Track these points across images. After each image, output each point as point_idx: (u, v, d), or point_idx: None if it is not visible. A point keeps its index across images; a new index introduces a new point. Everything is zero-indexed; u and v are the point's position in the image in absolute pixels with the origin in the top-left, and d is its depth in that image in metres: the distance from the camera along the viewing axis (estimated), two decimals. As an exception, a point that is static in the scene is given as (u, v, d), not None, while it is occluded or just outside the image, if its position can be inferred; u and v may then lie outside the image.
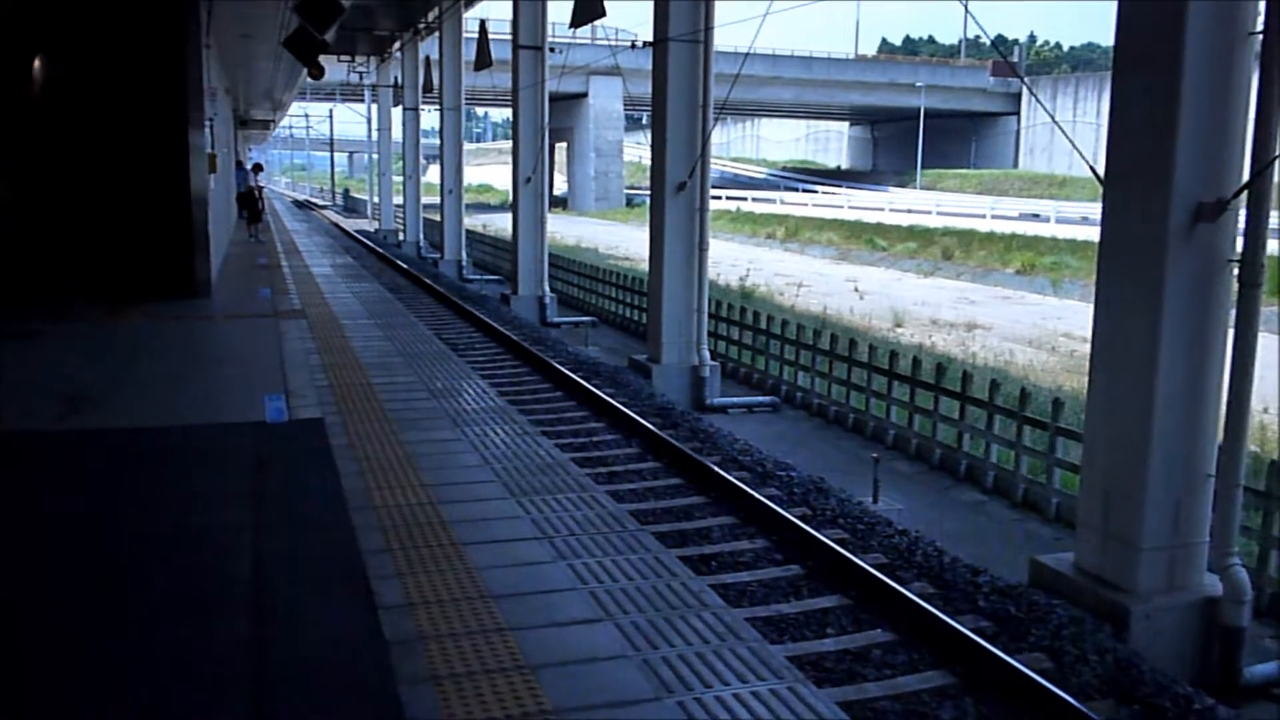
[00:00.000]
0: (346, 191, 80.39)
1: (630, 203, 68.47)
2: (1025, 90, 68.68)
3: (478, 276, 28.88)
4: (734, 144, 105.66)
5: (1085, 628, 6.33)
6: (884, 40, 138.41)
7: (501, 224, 39.51)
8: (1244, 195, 6.50)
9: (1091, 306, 7.44)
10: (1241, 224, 6.61)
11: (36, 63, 12.84)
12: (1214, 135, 6.53)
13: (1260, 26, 6.48)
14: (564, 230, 46.19)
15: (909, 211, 51.75)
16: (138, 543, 4.67)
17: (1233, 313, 6.68)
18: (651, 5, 13.92)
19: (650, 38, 14.28)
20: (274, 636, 3.75)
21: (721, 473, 8.72)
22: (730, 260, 34.11)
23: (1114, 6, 6.96)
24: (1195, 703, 5.56)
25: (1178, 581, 6.81)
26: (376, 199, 50.59)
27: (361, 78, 45.34)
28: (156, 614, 3.94)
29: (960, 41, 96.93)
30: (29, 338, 9.95)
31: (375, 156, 50.86)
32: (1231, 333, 6.65)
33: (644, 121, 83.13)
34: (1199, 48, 6.41)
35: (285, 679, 3.45)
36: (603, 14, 17.26)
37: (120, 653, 3.62)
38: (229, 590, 4.14)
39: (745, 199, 63.13)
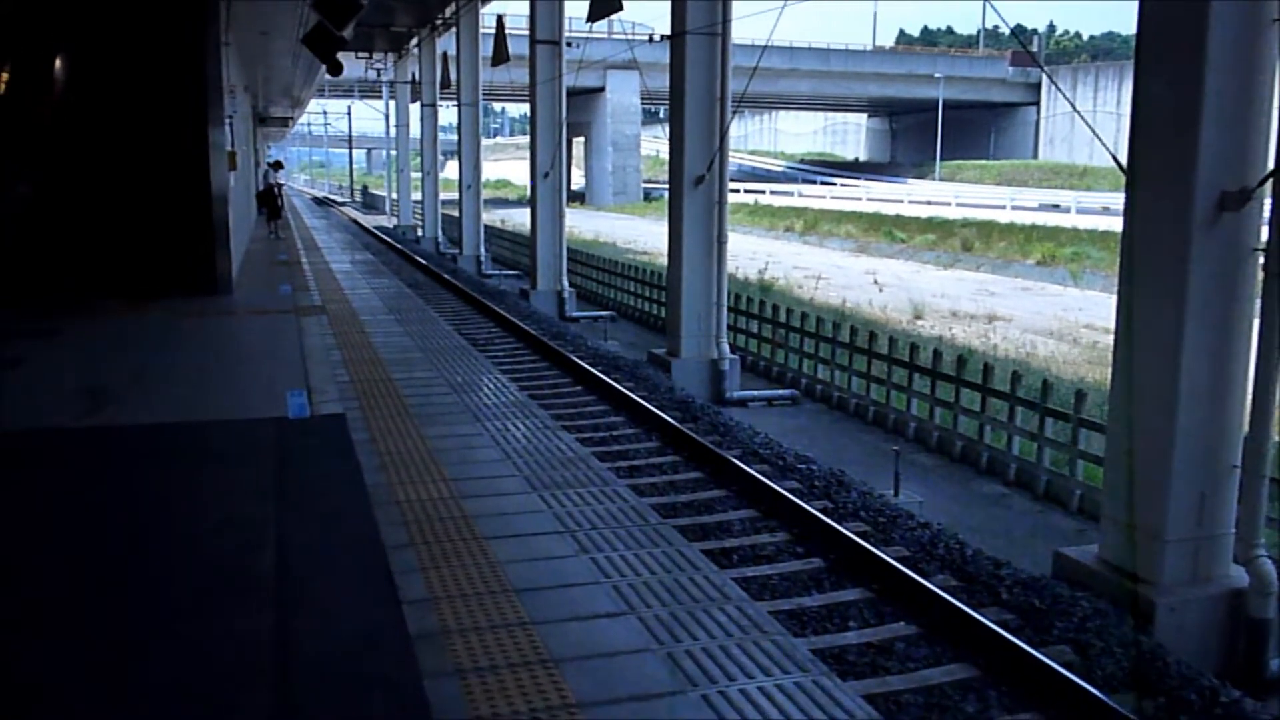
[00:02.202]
0: (365, 188, 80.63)
1: (648, 197, 68.42)
2: (1045, 80, 68.27)
3: (496, 271, 28.92)
4: (751, 137, 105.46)
5: (1109, 620, 6.30)
6: (902, 31, 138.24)
7: (520, 219, 39.59)
8: (1269, 184, 6.44)
9: (1114, 297, 7.39)
10: (1266, 212, 6.56)
11: (58, 61, 12.91)
12: (1237, 124, 6.47)
13: (1284, 14, 6.42)
14: (582, 225, 46.18)
15: (928, 203, 51.50)
16: (161, 538, 4.69)
17: (1258, 302, 6.63)
18: (669, -1, 13.91)
19: (668, 31, 14.26)
20: (297, 630, 3.76)
21: (742, 466, 8.71)
22: (748, 254, 34.04)
23: (1136, -5, 6.91)
24: (1221, 695, 5.53)
25: (1203, 574, 6.77)
26: (395, 195, 50.72)
27: (379, 74, 45.50)
28: (180, 608, 3.95)
29: (979, 32, 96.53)
30: (51, 335, 10.01)
31: (393, 153, 50.99)
32: (1257, 322, 6.60)
33: (661, 115, 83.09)
34: (1222, 36, 6.36)
35: (309, 672, 3.46)
36: (620, 8, 17.25)
37: (144, 646, 3.64)
38: (252, 584, 4.15)
39: (763, 192, 63.01)
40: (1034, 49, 78.98)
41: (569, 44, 21.67)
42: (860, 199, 56.59)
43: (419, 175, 41.22)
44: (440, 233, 36.62)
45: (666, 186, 16.12)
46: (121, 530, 4.79)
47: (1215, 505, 6.76)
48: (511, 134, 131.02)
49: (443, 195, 38.45)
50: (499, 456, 6.16)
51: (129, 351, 9.47)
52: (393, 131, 49.83)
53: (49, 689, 3.35)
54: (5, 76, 12.59)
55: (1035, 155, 70.87)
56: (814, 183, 71.87)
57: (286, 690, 3.35)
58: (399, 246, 31.55)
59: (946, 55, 79.33)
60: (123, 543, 4.64)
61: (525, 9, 22.15)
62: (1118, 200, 7.76)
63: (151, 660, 3.54)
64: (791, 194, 61.82)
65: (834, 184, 69.92)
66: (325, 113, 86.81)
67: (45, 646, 3.64)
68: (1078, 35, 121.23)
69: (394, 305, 13.16)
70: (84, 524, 4.87)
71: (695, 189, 13.90)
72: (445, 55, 31.65)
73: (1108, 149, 8.24)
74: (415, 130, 42.81)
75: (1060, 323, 22.81)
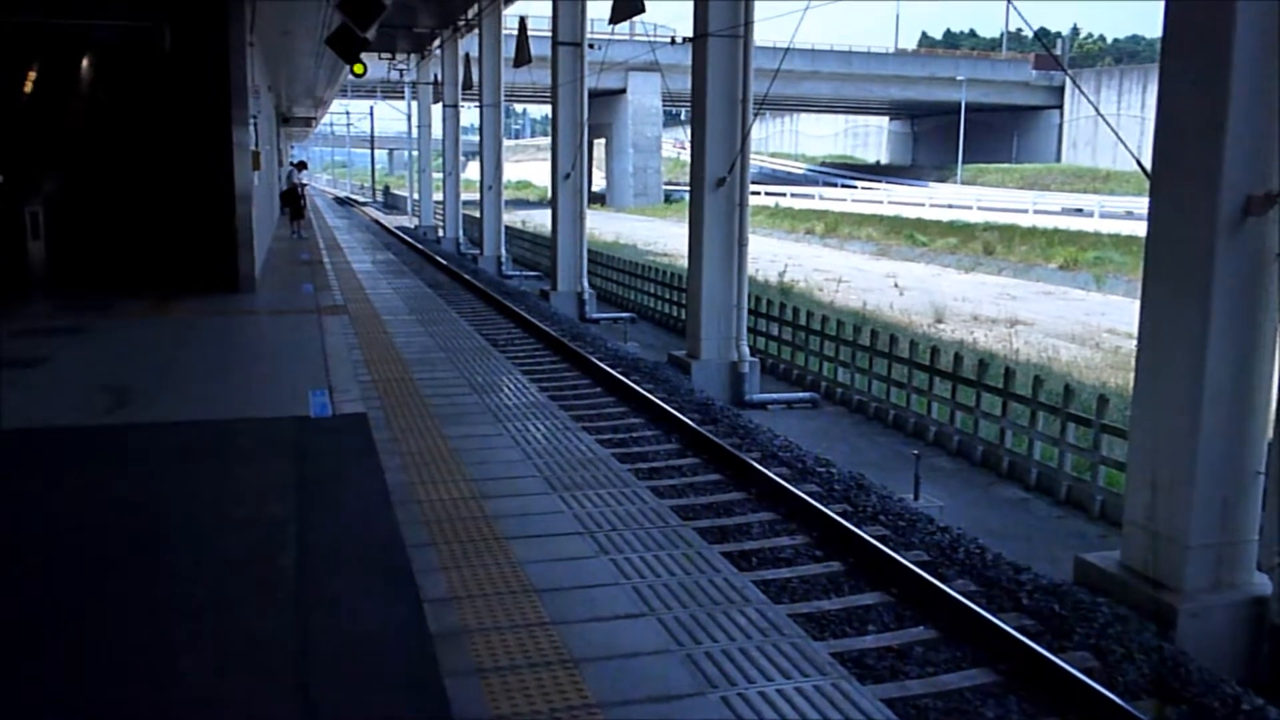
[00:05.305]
0: (386, 188, 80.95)
1: (669, 199, 68.45)
2: (1069, 83, 67.90)
3: (517, 272, 28.97)
4: (773, 139, 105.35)
5: (1131, 626, 6.27)
6: (924, 34, 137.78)
7: (540, 220, 39.62)
8: (1295, 189, 6.40)
9: (1136, 302, 7.35)
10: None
11: (84, 61, 13.01)
12: (1263, 127, 6.42)
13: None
14: (603, 226, 46.22)
15: (949, 206, 51.33)
16: (183, 535, 4.72)
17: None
18: (691, 1, 13.89)
19: (689, 33, 14.25)
20: (319, 628, 3.78)
21: (761, 469, 8.71)
22: (769, 256, 34.00)
23: (1161, -2, 6.87)
24: (1244, 702, 5.49)
25: (1225, 580, 6.72)
26: (416, 196, 50.89)
27: (402, 75, 45.64)
28: (202, 605, 3.98)
29: (1002, 34, 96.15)
30: (75, 333, 10.09)
31: (415, 153, 51.17)
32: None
33: (682, 117, 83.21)
34: (1249, 38, 6.32)
35: (330, 671, 3.48)
36: (642, 10, 17.26)
37: (167, 643, 3.67)
38: (274, 583, 4.18)
39: (784, 194, 62.94)
40: (1058, 52, 78.55)
41: (591, 45, 21.69)
42: (881, 202, 56.43)
43: (440, 176, 41.33)
44: (461, 233, 36.73)
45: (687, 188, 16.11)
46: (143, 528, 4.82)
47: (1238, 511, 6.72)
48: (533, 135, 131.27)
49: (464, 196, 38.58)
50: (519, 457, 6.17)
51: (152, 350, 9.54)
52: (414, 132, 50.01)
53: (70, 685, 3.38)
54: (33, 76, 12.70)
55: (1058, 159, 70.55)
56: (835, 185, 71.74)
57: (307, 687, 3.37)
58: (420, 247, 31.66)
59: (969, 58, 79.10)
60: (145, 540, 4.67)
61: (548, 10, 22.20)
62: (1141, 204, 7.72)
63: (173, 656, 3.57)
64: (812, 197, 61.71)
65: (855, 187, 69.79)
66: (348, 113, 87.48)
67: (67, 644, 3.67)
68: (1102, 38, 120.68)
69: (415, 305, 13.19)
70: (106, 521, 4.91)
71: (716, 191, 13.89)
72: (467, 56, 31.72)
73: (1131, 152, 8.20)
74: (437, 131, 42.92)
75: (1082, 327, 22.70)
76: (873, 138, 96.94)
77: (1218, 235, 6.44)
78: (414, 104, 49.19)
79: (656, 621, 3.94)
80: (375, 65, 37.48)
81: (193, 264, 12.93)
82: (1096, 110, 12.64)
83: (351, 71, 16.42)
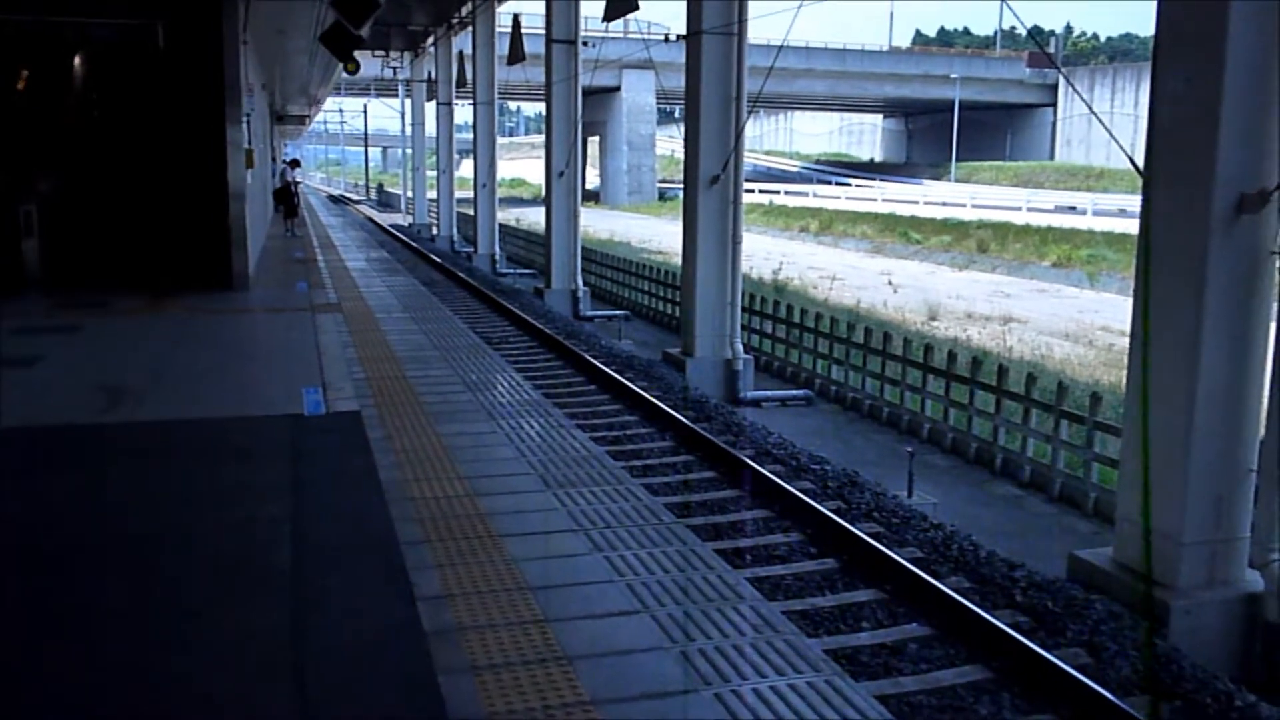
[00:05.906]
0: (380, 186, 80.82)
1: (663, 196, 68.43)
2: (1062, 81, 67.96)
3: (511, 270, 28.94)
4: (767, 137, 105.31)
5: (1124, 623, 6.28)
6: (918, 32, 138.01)
7: (534, 218, 39.60)
8: (1288, 186, 6.41)
9: (1130, 300, 7.36)
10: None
11: (77, 60, 12.99)
12: (1257, 125, 6.44)
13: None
14: (597, 224, 46.20)
15: (943, 204, 51.35)
16: (179, 534, 4.72)
17: (1276, 305, 6.60)
18: (685, -2, 13.90)
19: (683, 31, 14.25)
20: (314, 626, 3.79)
21: (756, 466, 8.71)
22: (763, 254, 34.02)
23: (1154, -4, 6.88)
24: (1236, 699, 5.50)
25: (1218, 577, 6.74)
26: (410, 194, 50.84)
27: (395, 73, 45.59)
28: (198, 604, 3.98)
29: (996, 33, 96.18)
30: (70, 331, 10.08)
31: (409, 151, 51.10)
32: (1275, 325, 6.57)
33: (677, 115, 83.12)
34: (1243, 37, 6.33)
35: (325, 669, 3.48)
36: (636, 8, 17.25)
37: (165, 642, 3.67)
38: (269, 580, 4.18)
39: (778, 192, 62.94)
40: (1051, 50, 78.63)
41: (585, 43, 21.67)
42: (875, 200, 56.46)
43: (434, 174, 41.27)
44: (455, 231, 36.69)
45: (681, 186, 16.11)
46: (139, 526, 4.82)
47: (1231, 508, 6.73)
48: (527, 133, 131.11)
49: (458, 194, 38.51)
50: (514, 454, 6.17)
51: (146, 348, 9.53)
52: (408, 130, 49.93)
53: (69, 685, 3.38)
54: (26, 75, 12.68)
55: (1052, 157, 70.60)
56: (829, 183, 71.74)
57: (302, 685, 3.37)
58: (414, 245, 31.63)
59: (963, 56, 79.10)
60: (140, 539, 4.67)
61: (541, 8, 22.19)
62: (1134, 202, 7.74)
63: (169, 655, 3.57)
64: (807, 194, 61.71)
65: (849, 184, 69.80)
66: (342, 111, 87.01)
67: (64, 643, 3.67)
68: (1095, 36, 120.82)
69: (409, 303, 13.19)
70: (102, 520, 4.90)
71: (710, 189, 13.89)
72: (461, 54, 31.71)
73: (1124, 151, 8.21)
74: (431, 129, 42.87)
75: (1076, 325, 22.73)
76: (867, 135, 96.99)
77: (1211, 233, 6.45)
78: (408, 102, 49.12)
79: (650, 619, 3.95)
80: (369, 63, 37.45)
81: (187, 262, 12.92)
82: (1090, 108, 12.66)
83: (345, 69, 16.40)
